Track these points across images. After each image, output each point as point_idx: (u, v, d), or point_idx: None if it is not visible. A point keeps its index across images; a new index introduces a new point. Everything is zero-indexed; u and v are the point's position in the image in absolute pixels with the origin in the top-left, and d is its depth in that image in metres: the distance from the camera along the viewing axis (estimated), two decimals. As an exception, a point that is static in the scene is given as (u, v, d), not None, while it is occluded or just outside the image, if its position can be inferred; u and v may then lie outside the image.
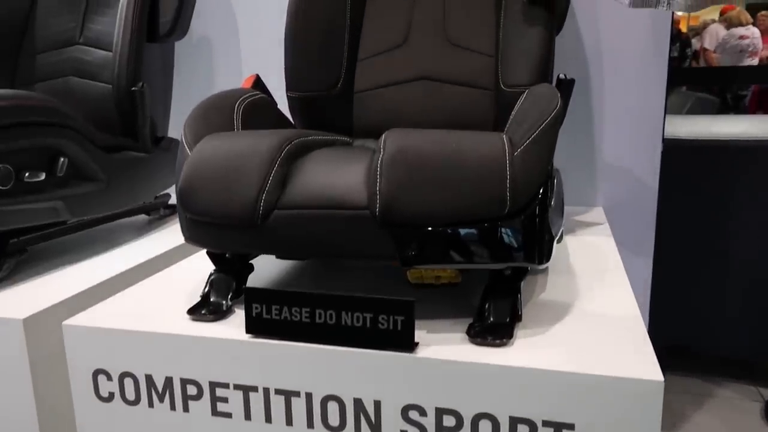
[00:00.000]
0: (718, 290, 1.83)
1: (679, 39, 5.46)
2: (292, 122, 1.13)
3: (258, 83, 1.08)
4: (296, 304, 0.72)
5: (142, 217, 1.34)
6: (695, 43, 5.41)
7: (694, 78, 2.39)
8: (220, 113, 0.90)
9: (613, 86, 1.38)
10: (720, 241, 1.78)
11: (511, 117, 0.85)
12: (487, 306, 0.76)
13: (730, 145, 1.63)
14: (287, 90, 1.18)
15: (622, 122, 1.38)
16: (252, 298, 0.73)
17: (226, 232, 0.76)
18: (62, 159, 1.03)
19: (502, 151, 0.70)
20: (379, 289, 0.84)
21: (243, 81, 1.08)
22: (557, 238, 0.85)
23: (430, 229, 0.69)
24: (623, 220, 1.40)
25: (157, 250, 1.16)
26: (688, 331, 1.90)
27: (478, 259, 0.71)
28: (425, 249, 0.70)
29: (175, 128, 1.48)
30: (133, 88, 1.21)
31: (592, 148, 1.41)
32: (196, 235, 0.79)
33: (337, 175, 0.73)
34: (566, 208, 1.40)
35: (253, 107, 0.95)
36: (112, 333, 0.79)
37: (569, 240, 1.15)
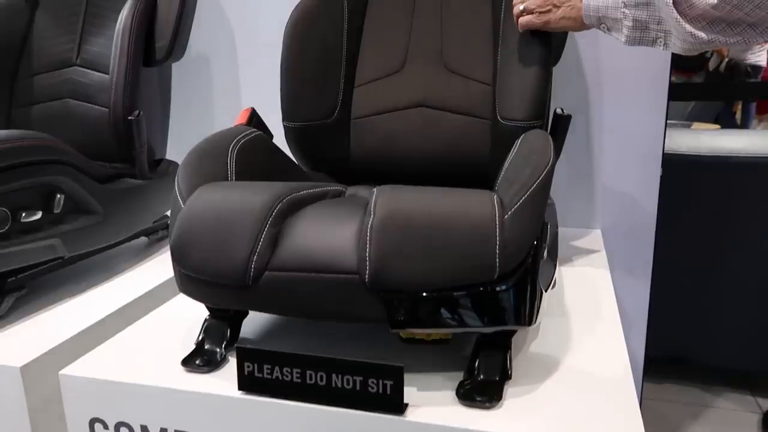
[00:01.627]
0: (718, 301, 1.83)
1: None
2: (289, 156, 1.13)
3: (253, 117, 1.08)
4: (287, 365, 0.72)
5: (142, 238, 1.34)
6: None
7: (695, 94, 2.36)
8: (214, 159, 0.90)
9: (613, 107, 1.37)
10: (720, 252, 1.77)
11: (502, 171, 0.85)
12: (477, 363, 0.76)
13: (731, 161, 1.62)
14: (283, 120, 1.18)
15: (622, 145, 1.38)
16: (244, 358, 0.74)
17: (218, 290, 0.76)
18: (59, 196, 1.04)
19: (491, 216, 0.70)
20: (370, 343, 0.84)
21: (238, 115, 1.08)
22: (550, 286, 0.86)
23: (418, 294, 0.70)
24: (621, 242, 1.40)
25: (156, 279, 1.16)
26: (687, 341, 1.90)
27: (467, 324, 0.71)
28: (414, 313, 0.70)
29: (173, 148, 1.49)
30: (130, 118, 1.21)
31: (591, 170, 1.40)
32: (189, 289, 0.80)
33: (327, 236, 0.73)
34: (564, 231, 1.40)
35: (247, 149, 0.95)
36: (108, 384, 0.80)
37: (565, 272, 1.15)
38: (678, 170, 1.69)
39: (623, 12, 0.90)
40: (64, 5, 1.40)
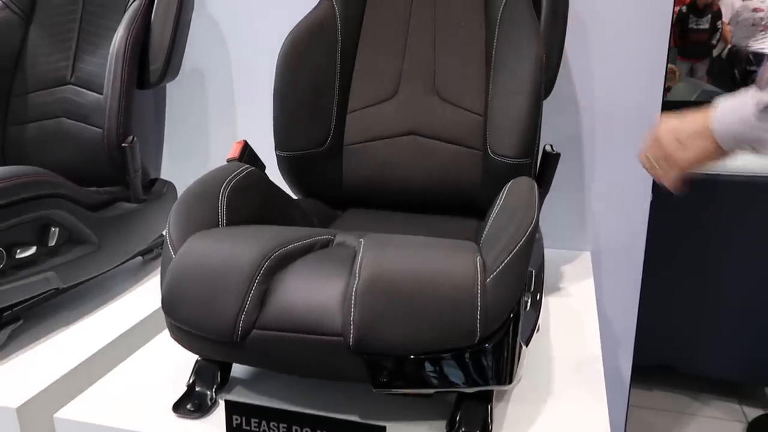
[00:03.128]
0: (708, 313, 1.86)
1: (710, 11, 5.53)
2: (281, 187, 1.14)
3: (245, 150, 1.09)
4: (274, 419, 0.75)
5: (137, 258, 1.36)
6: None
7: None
8: (205, 205, 0.91)
9: (606, 129, 1.38)
10: (709, 266, 1.79)
11: (488, 224, 0.86)
12: (458, 416, 0.78)
13: (719, 179, 1.63)
14: (276, 149, 1.19)
15: (613, 168, 1.38)
16: (232, 411, 0.76)
17: (207, 343, 0.78)
18: (53, 228, 1.05)
19: (472, 281, 0.72)
20: (356, 389, 0.86)
21: (231, 149, 1.09)
22: (534, 332, 0.88)
23: (399, 357, 0.71)
24: (611, 264, 1.42)
25: (149, 305, 1.18)
26: (677, 351, 1.93)
27: (447, 384, 0.73)
28: (396, 375, 0.72)
29: (167, 165, 1.50)
30: (124, 145, 1.22)
31: (582, 193, 1.41)
32: (179, 339, 0.82)
33: (313, 296, 0.75)
34: (554, 252, 1.42)
35: (239, 189, 0.96)
36: (101, 429, 0.83)
37: (551, 303, 1.17)
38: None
39: (760, 126, 0.76)
40: (57, 21, 1.40)
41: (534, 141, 1.05)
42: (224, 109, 1.58)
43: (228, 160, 1.08)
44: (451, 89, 1.20)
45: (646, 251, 1.42)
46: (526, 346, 0.81)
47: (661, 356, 1.95)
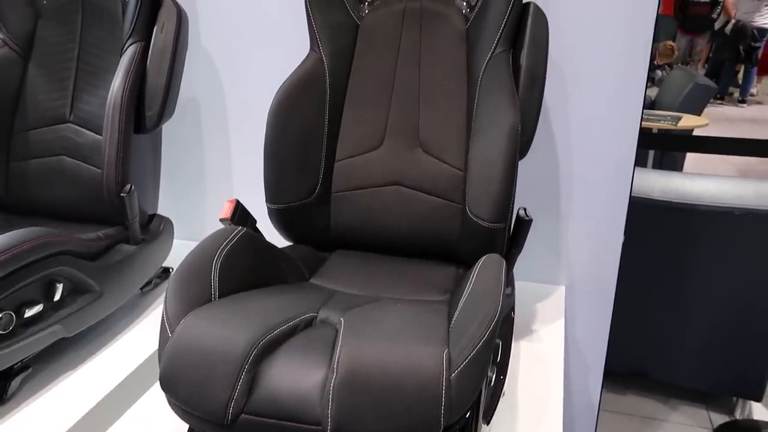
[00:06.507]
0: (679, 328, 1.95)
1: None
2: (271, 243, 1.20)
3: (236, 210, 1.16)
4: (260, 491, 0.84)
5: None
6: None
7: (665, 144, 2.40)
8: (198, 278, 0.97)
9: (582, 166, 1.44)
10: (681, 286, 1.88)
11: (457, 311, 0.93)
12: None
13: (697, 208, 1.70)
14: (266, 201, 1.25)
15: (590, 205, 1.45)
16: (223, 482, 0.86)
17: (201, 421, 0.87)
18: (58, 284, 1.12)
19: (438, 378, 0.80)
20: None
21: (223, 208, 1.16)
22: (499, 398, 0.97)
23: (373, 444, 0.80)
24: (584, 297, 1.50)
25: (152, 342, 1.27)
26: (648, 361, 2.04)
27: (414, 468, 0.82)
28: (369, 459, 0.81)
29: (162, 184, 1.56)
30: (122, 194, 1.28)
31: (557, 229, 1.48)
32: (177, 412, 0.91)
33: (296, 386, 0.83)
34: (529, 285, 1.50)
35: (231, 257, 1.03)
36: (107, 488, 0.93)
37: (521, 342, 1.25)
38: (649, 212, 1.78)
39: None
40: (55, 59, 1.44)
41: (508, 207, 1.12)
42: (219, 136, 1.64)
43: (220, 220, 1.15)
44: (434, 144, 1.26)
45: (619, 273, 1.51)
46: (488, 423, 0.90)
47: (634, 364, 2.06)
